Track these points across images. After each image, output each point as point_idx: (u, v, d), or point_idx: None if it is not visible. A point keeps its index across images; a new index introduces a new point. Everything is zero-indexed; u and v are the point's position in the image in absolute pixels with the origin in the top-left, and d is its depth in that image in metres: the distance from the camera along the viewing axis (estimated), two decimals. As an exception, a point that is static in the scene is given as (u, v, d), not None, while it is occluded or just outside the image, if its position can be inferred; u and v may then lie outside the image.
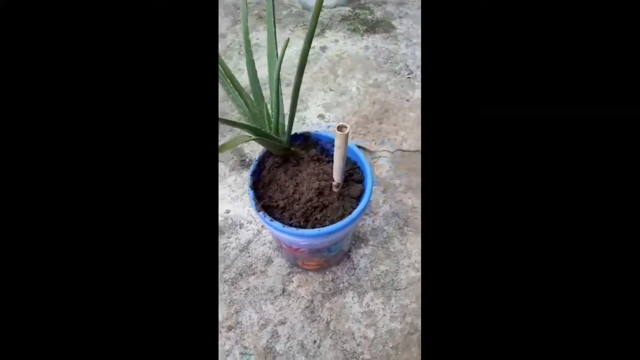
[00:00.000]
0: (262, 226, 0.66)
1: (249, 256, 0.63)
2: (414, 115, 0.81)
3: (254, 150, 0.77)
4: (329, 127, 0.80)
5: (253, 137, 0.40)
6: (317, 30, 1.02)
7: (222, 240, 0.65)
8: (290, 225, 0.44)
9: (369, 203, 0.46)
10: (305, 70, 0.96)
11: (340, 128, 0.38)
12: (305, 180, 0.48)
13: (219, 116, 0.29)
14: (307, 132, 0.52)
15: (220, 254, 0.63)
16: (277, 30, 1.05)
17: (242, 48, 0.99)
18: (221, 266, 0.62)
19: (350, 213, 0.45)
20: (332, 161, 0.50)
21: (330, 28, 1.03)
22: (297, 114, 0.83)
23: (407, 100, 0.84)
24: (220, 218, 0.68)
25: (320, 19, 1.05)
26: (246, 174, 0.74)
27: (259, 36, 1.03)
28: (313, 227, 0.45)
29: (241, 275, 0.61)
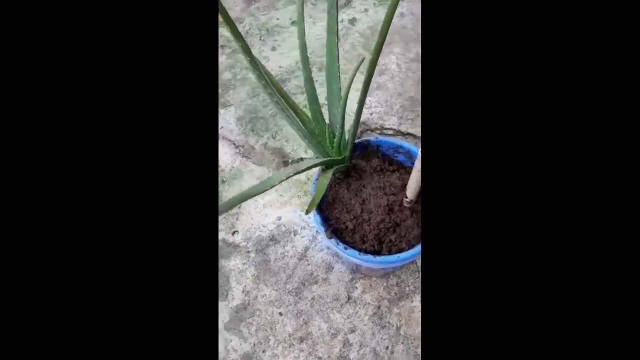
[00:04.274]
0: (318, 231, 0.64)
1: (309, 264, 0.62)
2: (465, 91, 0.73)
3: (296, 149, 0.73)
4: (371, 114, 0.74)
5: (314, 164, 0.36)
6: (343, 0, 0.91)
7: (278, 250, 0.64)
8: (365, 250, 0.41)
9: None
10: (341, 50, 0.88)
11: (423, 152, 0.33)
12: (371, 196, 0.44)
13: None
14: (366, 140, 0.48)
15: (279, 263, 0.62)
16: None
17: (263, 33, 0.91)
18: (282, 276, 0.61)
19: (428, 232, 0.41)
20: (397, 170, 0.45)
21: (357, -5, 0.92)
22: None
23: (456, 74, 0.76)
24: (272, 226, 0.66)
25: (344, -15, 0.94)
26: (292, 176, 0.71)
27: (279, 15, 0.94)
28: (389, 250, 0.42)
29: (304, 284, 0.60)
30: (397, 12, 0.87)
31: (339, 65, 0.36)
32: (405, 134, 0.71)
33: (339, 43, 0.85)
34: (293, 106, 0.41)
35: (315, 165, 0.36)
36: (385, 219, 0.42)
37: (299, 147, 0.73)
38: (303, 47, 0.34)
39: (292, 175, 0.30)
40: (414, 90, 0.75)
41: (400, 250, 0.41)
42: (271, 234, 0.65)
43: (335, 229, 0.43)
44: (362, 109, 0.36)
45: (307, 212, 0.29)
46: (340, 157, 0.42)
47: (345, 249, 0.41)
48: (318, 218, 0.43)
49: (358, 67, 0.30)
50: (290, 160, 0.73)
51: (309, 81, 0.37)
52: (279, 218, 0.67)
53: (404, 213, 0.43)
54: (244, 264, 0.63)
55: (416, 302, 0.57)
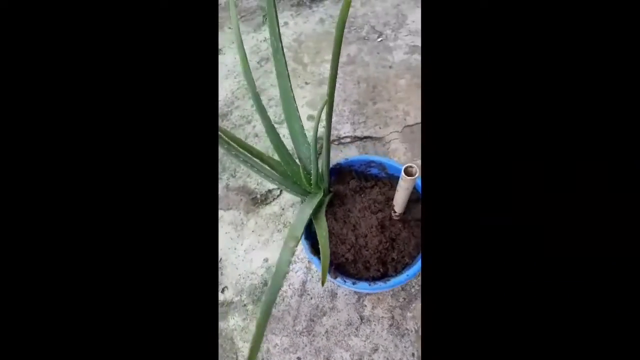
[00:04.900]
0: (310, 261, 0.62)
1: (311, 297, 0.60)
2: (404, 82, 0.75)
3: (261, 182, 0.70)
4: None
5: (309, 218, 0.34)
6: (259, 19, 0.89)
7: (275, 293, 0.60)
8: (372, 278, 0.40)
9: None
10: (269, 69, 0.85)
11: (408, 171, 0.32)
12: (360, 218, 0.43)
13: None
14: (338, 164, 0.46)
15: (281, 307, 0.59)
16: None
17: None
18: (289, 319, 0.58)
19: (426, 240, 0.41)
20: (375, 185, 0.45)
21: (272, 10, 0.90)
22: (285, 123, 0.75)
23: (390, 67, 0.78)
24: (261, 270, 0.62)
25: (256, 2, 0.91)
26: (264, 212, 0.68)
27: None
28: (395, 269, 0.41)
29: (313, 320, 0.58)
30: (316, 19, 0.86)
31: (297, 106, 0.34)
32: (363, 138, 0.71)
33: (266, 65, 0.82)
34: (259, 155, 0.38)
35: (310, 218, 0.33)
36: (381, 239, 0.41)
37: (263, 180, 0.70)
38: (257, 100, 0.31)
39: (296, 245, 0.28)
40: (356, 93, 0.76)
41: (405, 266, 0.41)
42: (263, 279, 0.61)
43: (337, 265, 0.42)
44: (330, 138, 0.35)
45: (323, 282, 0.27)
46: (321, 192, 0.40)
47: (354, 283, 0.39)
48: (316, 260, 0.41)
49: (321, 111, 0.28)
50: (259, 196, 0.69)
51: (271, 130, 0.35)
52: (266, 260, 0.63)
53: (397, 227, 0.43)
54: (244, 319, 0.59)
55: (425, 299, 0.57)
